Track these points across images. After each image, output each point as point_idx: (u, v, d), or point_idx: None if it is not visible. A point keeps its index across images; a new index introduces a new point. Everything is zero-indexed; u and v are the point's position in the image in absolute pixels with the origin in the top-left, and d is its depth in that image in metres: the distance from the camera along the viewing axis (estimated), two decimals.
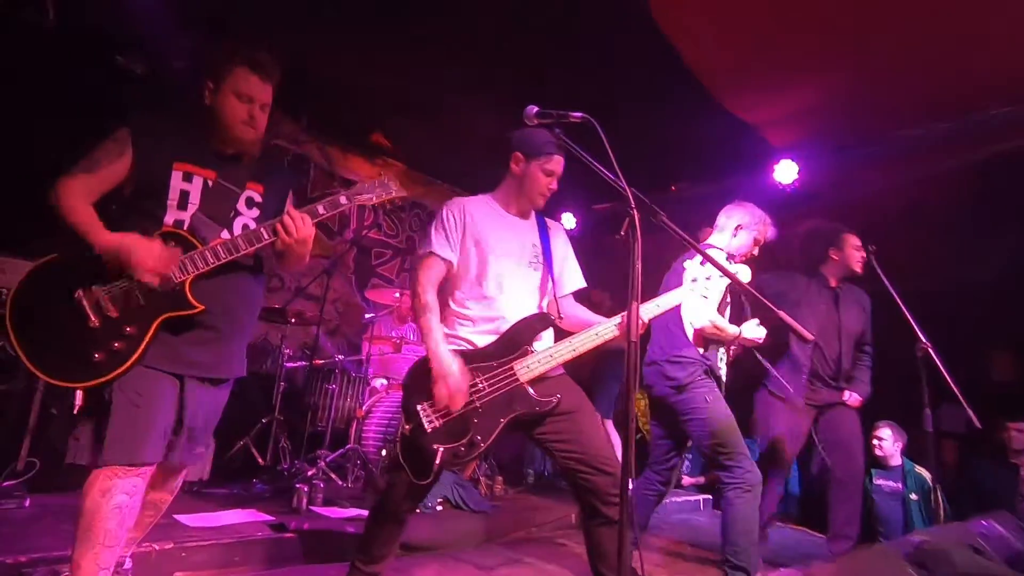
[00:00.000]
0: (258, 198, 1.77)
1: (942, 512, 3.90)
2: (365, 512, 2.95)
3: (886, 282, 2.53)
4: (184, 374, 1.60)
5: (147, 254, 1.49)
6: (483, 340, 1.91)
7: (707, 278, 1.93)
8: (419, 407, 1.77)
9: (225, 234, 1.66)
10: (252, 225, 1.72)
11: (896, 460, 4.23)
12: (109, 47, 4.01)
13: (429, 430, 1.74)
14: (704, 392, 2.50)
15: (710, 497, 5.27)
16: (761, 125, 4.65)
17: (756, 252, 2.81)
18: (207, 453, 1.77)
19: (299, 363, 4.01)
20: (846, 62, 3.82)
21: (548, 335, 1.97)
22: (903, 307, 2.61)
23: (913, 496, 4.06)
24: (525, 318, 1.91)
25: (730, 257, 2.71)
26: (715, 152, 4.99)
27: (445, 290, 1.99)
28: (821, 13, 3.46)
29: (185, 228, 1.61)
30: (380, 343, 4.27)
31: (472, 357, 1.84)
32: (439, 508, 3.26)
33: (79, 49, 3.78)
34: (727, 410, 2.49)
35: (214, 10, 3.60)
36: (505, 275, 1.96)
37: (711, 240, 2.83)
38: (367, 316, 4.25)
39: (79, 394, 1.56)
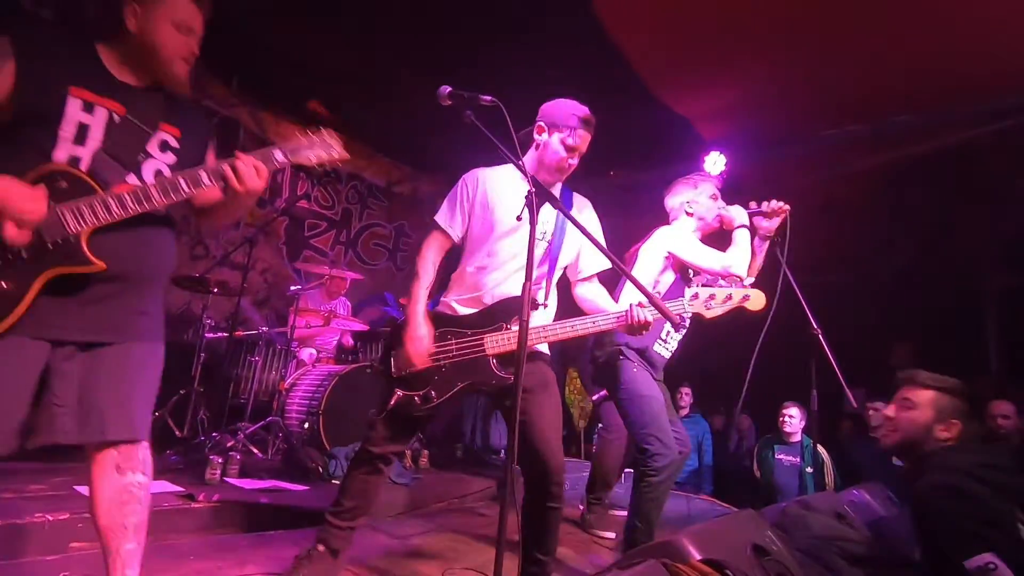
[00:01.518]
0: (174, 142, 1.51)
1: (833, 484, 4.30)
2: (283, 484, 2.97)
3: (785, 269, 2.71)
4: (60, 339, 1.35)
5: (20, 203, 1.24)
6: (464, 309, 1.96)
7: (710, 297, 1.90)
8: (393, 352, 1.93)
9: (132, 179, 1.41)
10: (166, 172, 1.47)
11: (797, 437, 4.60)
12: None
13: (393, 374, 1.90)
14: (625, 372, 2.48)
15: (630, 471, 5.54)
16: (693, 118, 4.83)
17: (718, 204, 2.64)
18: (134, 420, 1.43)
19: (221, 334, 3.91)
20: (774, 62, 4.01)
21: (537, 317, 1.95)
22: (800, 294, 2.81)
23: (809, 469, 4.43)
24: (511, 298, 1.90)
25: (700, 236, 2.61)
26: (652, 141, 5.15)
27: (459, 255, 2.05)
28: (753, 14, 3.62)
29: (83, 168, 1.35)
30: (308, 315, 4.21)
31: (451, 322, 1.94)
32: (383, 483, 3.30)
33: None
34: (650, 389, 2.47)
35: None
36: (506, 249, 1.94)
37: (676, 229, 2.63)
38: (292, 288, 4.17)
39: None
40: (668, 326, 2.49)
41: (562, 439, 1.91)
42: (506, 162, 2.00)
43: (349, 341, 4.55)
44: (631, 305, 1.84)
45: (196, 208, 1.62)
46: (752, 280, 2.51)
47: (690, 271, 2.57)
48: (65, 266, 1.31)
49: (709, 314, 1.92)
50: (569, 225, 1.97)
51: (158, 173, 1.46)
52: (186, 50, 1.47)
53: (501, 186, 1.99)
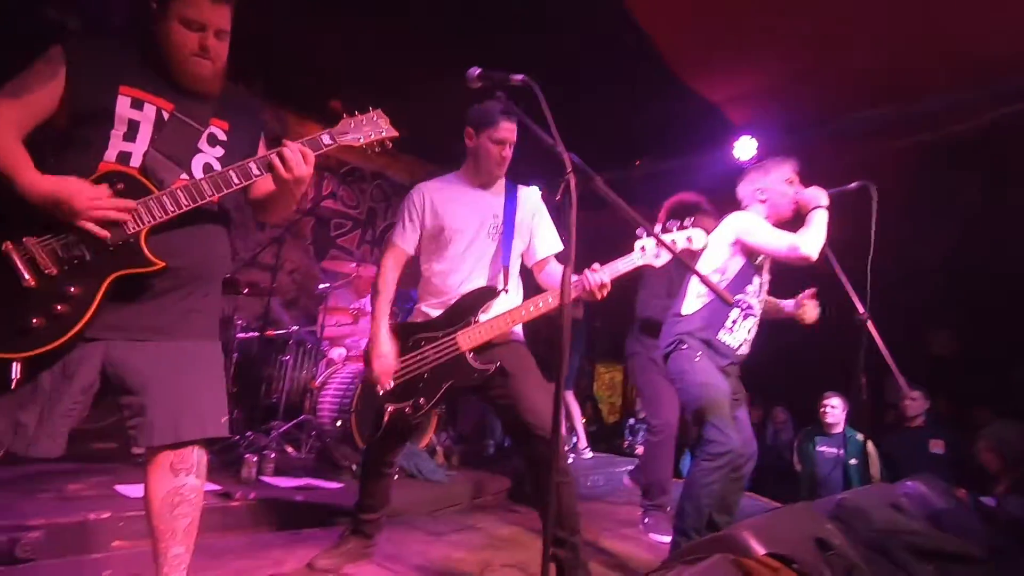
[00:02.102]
0: (222, 136, 1.50)
1: (879, 476, 4.14)
2: (317, 482, 2.96)
3: (828, 252, 2.58)
4: (118, 339, 1.35)
5: (92, 201, 1.25)
6: (434, 312, 2.06)
7: (655, 248, 1.94)
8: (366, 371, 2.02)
9: (184, 175, 1.40)
10: (216, 166, 1.46)
11: (839, 427, 4.43)
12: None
13: (380, 392, 1.98)
14: (682, 361, 2.38)
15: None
16: (722, 103, 4.69)
17: (793, 189, 2.44)
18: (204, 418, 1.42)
19: (252, 334, 3.93)
20: (805, 42, 3.86)
21: (499, 304, 2.02)
22: (843, 278, 2.69)
23: (852, 461, 4.26)
24: (472, 291, 2.01)
25: (775, 223, 2.43)
26: (678, 129, 5.03)
27: (418, 267, 2.16)
28: None
29: (136, 167, 1.35)
30: (337, 314, 4.21)
31: (421, 328, 2.03)
32: (394, 477, 3.28)
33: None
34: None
35: None
36: (460, 251, 2.05)
37: (744, 214, 2.49)
38: (321, 287, 4.18)
39: (16, 367, 1.25)
40: (733, 314, 2.37)
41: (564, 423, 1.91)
42: (453, 171, 2.19)
43: None
44: (584, 271, 1.89)
45: (251, 201, 1.61)
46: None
47: (758, 257, 2.45)
48: (128, 268, 1.32)
49: (659, 263, 1.96)
50: (516, 214, 2.11)
51: (207, 167, 1.45)
52: (196, 45, 1.40)
53: (444, 195, 2.10)
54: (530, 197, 2.20)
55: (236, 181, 1.40)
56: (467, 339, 1.94)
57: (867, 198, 2.48)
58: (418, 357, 1.98)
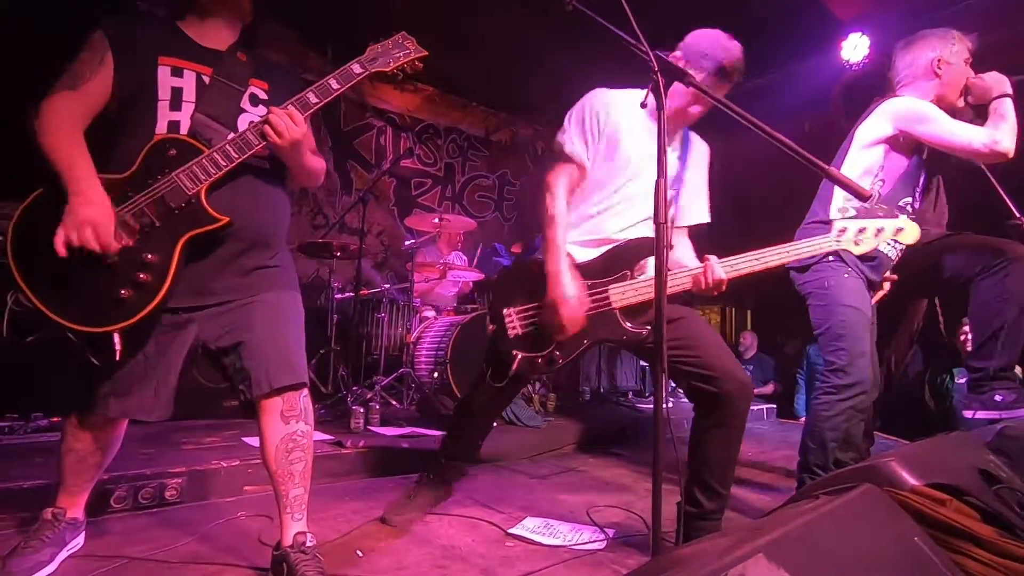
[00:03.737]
0: (263, 95, 1.54)
1: None
2: (419, 430, 3.07)
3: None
4: (204, 304, 1.43)
5: (85, 222, 1.26)
6: (583, 253, 1.76)
7: (860, 230, 1.66)
8: (505, 311, 1.74)
9: (231, 135, 1.44)
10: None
11: None
12: None
13: (511, 336, 1.72)
14: (827, 276, 2.09)
15: (774, 406, 5.15)
16: None
17: (988, 75, 2.02)
18: (293, 366, 1.48)
19: (348, 295, 4.10)
20: None
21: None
22: (994, 181, 2.27)
23: None
24: (632, 240, 1.73)
25: (948, 101, 2.07)
26: (772, 36, 4.47)
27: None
28: None
29: (183, 131, 1.40)
30: (425, 270, 4.28)
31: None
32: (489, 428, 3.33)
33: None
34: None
35: None
36: (625, 189, 1.76)
37: (907, 100, 2.05)
38: (407, 243, 4.25)
39: (117, 339, 1.33)
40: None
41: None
42: (626, 87, 1.81)
43: (467, 290, 4.60)
44: (706, 262, 1.64)
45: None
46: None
47: (925, 150, 2.04)
48: (196, 227, 1.37)
49: (858, 250, 1.68)
50: (689, 166, 1.82)
51: (252, 123, 1.46)
52: None
53: (628, 117, 1.74)
54: (701, 152, 1.92)
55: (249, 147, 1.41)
56: (620, 296, 1.68)
57: None
58: None
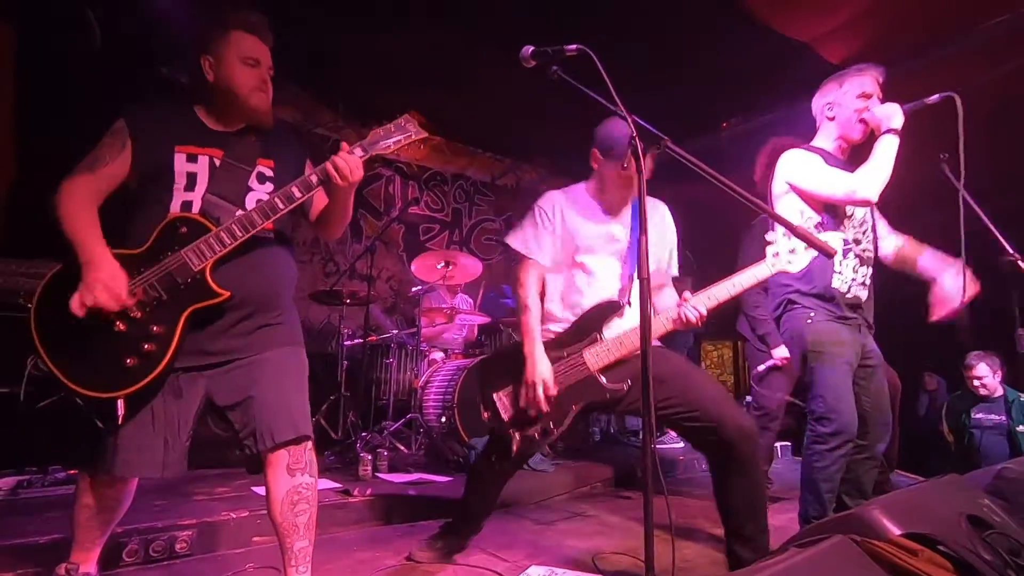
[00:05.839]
0: (270, 173, 1.65)
1: None
2: (428, 476, 3.08)
3: (963, 193, 2.17)
4: (207, 364, 1.51)
5: (101, 286, 1.37)
6: (557, 326, 1.94)
7: (791, 251, 1.76)
8: (495, 396, 1.86)
9: (240, 213, 1.54)
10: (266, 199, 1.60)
11: (999, 391, 3.85)
12: (153, 61, 4.25)
13: (505, 418, 1.84)
14: (794, 325, 2.12)
15: (789, 444, 5.06)
16: (814, 42, 4.23)
17: (873, 105, 2.07)
18: (295, 419, 1.54)
19: (357, 341, 4.18)
20: None
21: (624, 319, 1.90)
22: (984, 218, 2.30)
23: (1020, 428, 3.69)
24: (595, 306, 1.90)
25: (847, 146, 2.16)
26: (765, 80, 4.62)
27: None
28: None
29: (195, 211, 1.52)
30: (433, 314, 4.35)
31: (547, 347, 1.86)
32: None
33: (127, 65, 4.01)
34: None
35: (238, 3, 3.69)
36: (587, 270, 1.94)
37: (793, 154, 2.15)
38: (414, 289, 4.34)
39: (120, 404, 1.44)
40: (839, 257, 2.07)
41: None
42: (576, 181, 2.04)
43: (473, 334, 4.65)
44: (679, 302, 1.78)
45: (315, 223, 1.76)
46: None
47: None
48: (199, 302, 1.47)
49: (794, 268, 1.77)
50: (651, 226, 1.90)
51: (259, 201, 1.57)
52: (257, 80, 1.60)
53: (573, 209, 1.97)
54: (656, 214, 2.04)
55: (281, 206, 1.53)
56: (595, 358, 1.82)
57: (951, 112, 1.95)
58: None
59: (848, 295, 2.09)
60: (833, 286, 2.08)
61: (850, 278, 2.10)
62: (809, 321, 2.06)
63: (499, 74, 4.55)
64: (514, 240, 1.99)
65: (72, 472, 2.75)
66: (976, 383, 3.85)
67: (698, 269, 4.14)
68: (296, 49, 4.30)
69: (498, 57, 4.25)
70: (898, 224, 2.40)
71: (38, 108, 3.69)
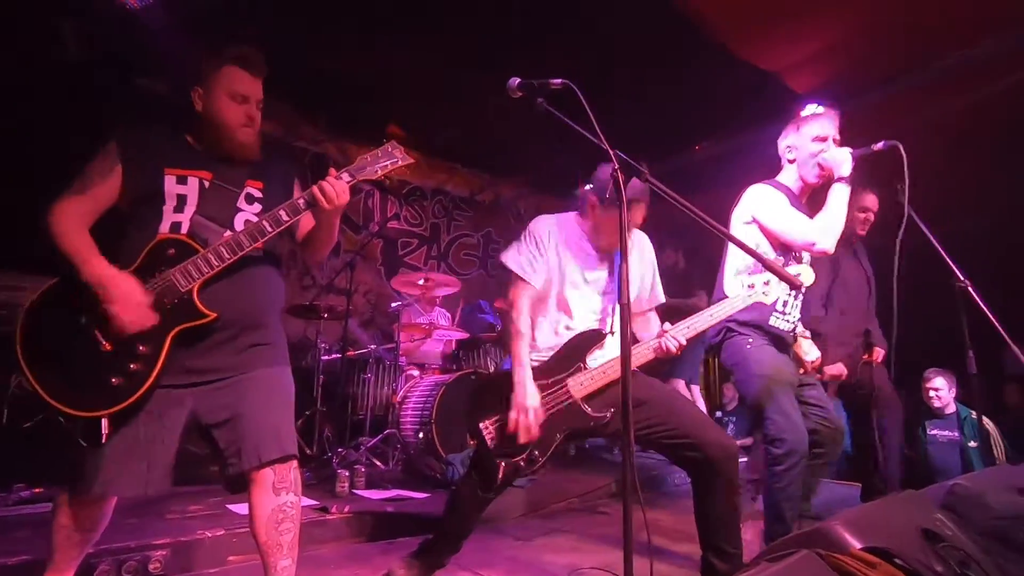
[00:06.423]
0: (258, 194, 1.68)
1: (1003, 458, 3.74)
2: (405, 492, 3.08)
3: (913, 215, 2.31)
4: (193, 383, 1.52)
5: (125, 304, 1.41)
6: (541, 355, 1.97)
7: (765, 283, 1.87)
8: (481, 425, 1.88)
9: (227, 234, 1.56)
10: (254, 221, 1.62)
11: (951, 408, 4.05)
12: (130, 71, 4.20)
13: (491, 446, 1.85)
14: (735, 351, 2.23)
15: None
16: (781, 72, 4.44)
17: (829, 147, 2.15)
18: (281, 439, 1.55)
19: (335, 356, 4.16)
20: None
21: (606, 349, 1.97)
22: (936, 244, 2.45)
23: (972, 444, 3.88)
24: (579, 334, 1.95)
25: (807, 189, 2.26)
26: (736, 106, 4.81)
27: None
28: None
29: (184, 232, 1.53)
30: (411, 330, 4.36)
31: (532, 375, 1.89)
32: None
33: (102, 77, 3.96)
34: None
35: (218, 20, 3.69)
36: (571, 300, 2.00)
37: (762, 189, 2.25)
38: (393, 305, 4.35)
39: (104, 423, 1.43)
40: (784, 297, 2.17)
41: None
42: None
43: (451, 349, 4.68)
44: (660, 332, 1.88)
45: (300, 244, 1.78)
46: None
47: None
48: (185, 322, 1.48)
49: (768, 299, 1.89)
50: (633, 257, 2.00)
51: (248, 223, 1.59)
52: (244, 117, 1.61)
53: (571, 244, 2.01)
54: (639, 247, 2.11)
55: (269, 229, 1.55)
56: (578, 386, 1.87)
57: (897, 160, 2.04)
58: None
59: (792, 333, 2.28)
60: (778, 327, 2.23)
61: (796, 318, 2.29)
62: (749, 346, 2.18)
63: (479, 90, 4.67)
64: (511, 261, 2.01)
65: (38, 491, 2.67)
66: (932, 394, 4.05)
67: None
68: (277, 63, 4.30)
69: (477, 73, 4.37)
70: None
71: (5, 119, 3.60)
